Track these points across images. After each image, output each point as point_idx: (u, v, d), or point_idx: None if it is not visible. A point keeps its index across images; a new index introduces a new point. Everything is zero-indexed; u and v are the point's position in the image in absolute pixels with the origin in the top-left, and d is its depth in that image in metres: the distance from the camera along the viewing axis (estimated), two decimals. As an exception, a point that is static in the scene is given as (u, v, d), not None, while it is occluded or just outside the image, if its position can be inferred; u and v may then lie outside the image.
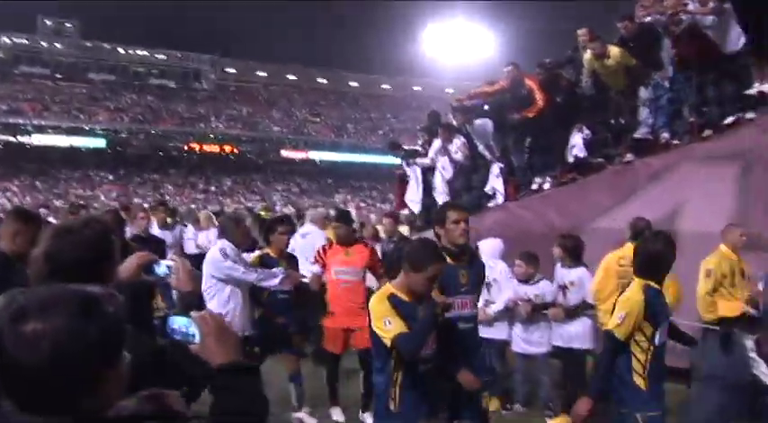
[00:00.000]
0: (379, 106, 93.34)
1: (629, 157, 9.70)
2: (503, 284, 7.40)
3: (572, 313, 6.94)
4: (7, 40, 78.88)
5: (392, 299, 4.18)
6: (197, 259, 13.34)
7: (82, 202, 20.05)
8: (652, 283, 4.40)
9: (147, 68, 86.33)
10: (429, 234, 8.08)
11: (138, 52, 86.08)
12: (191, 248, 13.06)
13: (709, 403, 6.19)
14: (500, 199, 11.23)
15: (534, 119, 10.41)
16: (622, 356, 4.35)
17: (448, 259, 4.51)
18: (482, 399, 4.73)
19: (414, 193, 12.71)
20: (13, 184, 65.00)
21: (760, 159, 8.04)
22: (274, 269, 6.71)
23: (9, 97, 73.48)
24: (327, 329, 7.14)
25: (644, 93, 9.67)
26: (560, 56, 11.32)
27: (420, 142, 13.68)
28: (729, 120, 8.65)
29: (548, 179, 10.70)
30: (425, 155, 12.61)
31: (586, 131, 10.22)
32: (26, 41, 79.77)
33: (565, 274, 7.03)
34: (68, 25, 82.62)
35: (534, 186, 10.79)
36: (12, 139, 70.06)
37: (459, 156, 11.64)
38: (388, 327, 4.10)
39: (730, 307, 6.42)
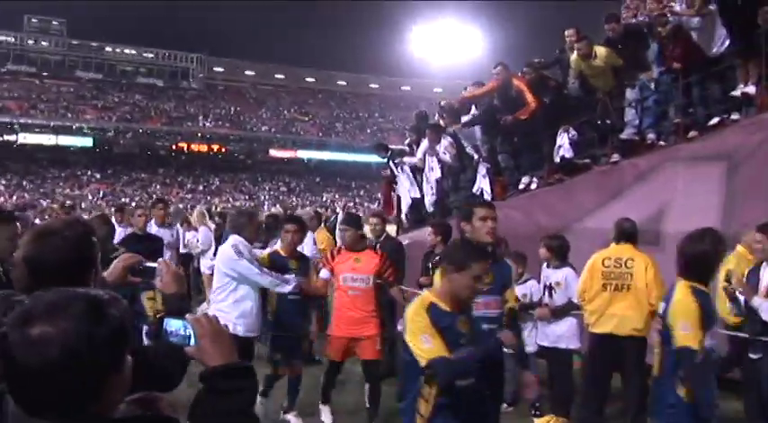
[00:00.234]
0: (368, 105, 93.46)
1: (615, 157, 9.73)
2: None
3: (558, 313, 6.96)
4: (-7, 39, 78.43)
5: (432, 310, 3.80)
6: (184, 259, 13.37)
7: (71, 203, 19.88)
8: (700, 286, 4.13)
9: (134, 67, 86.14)
10: (418, 234, 8.13)
11: (126, 51, 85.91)
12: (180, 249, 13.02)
13: None
14: (487, 199, 11.23)
15: (524, 120, 10.44)
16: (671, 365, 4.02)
17: None
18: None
19: (406, 193, 12.70)
20: (0, 183, 64.61)
21: (745, 160, 8.08)
22: (287, 275, 6.46)
23: (-5, 96, 73.13)
24: (332, 338, 6.84)
25: (630, 94, 9.72)
26: (548, 55, 11.37)
27: (407, 141, 13.67)
28: (715, 121, 8.69)
29: (535, 179, 10.73)
30: (412, 154, 12.60)
31: (573, 132, 10.24)
32: (12, 40, 79.34)
33: (551, 274, 7.06)
34: (55, 23, 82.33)
35: (521, 186, 10.81)
36: (-2, 137, 69.67)
37: (446, 156, 11.64)
38: (426, 346, 3.71)
39: None
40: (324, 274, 6.90)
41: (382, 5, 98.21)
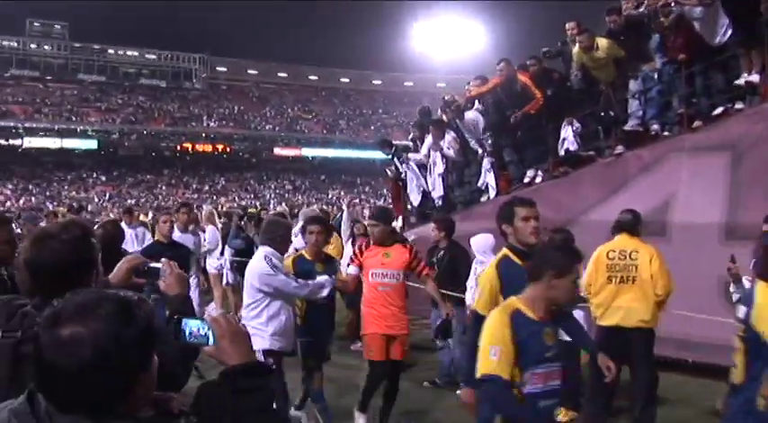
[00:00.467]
0: (371, 102, 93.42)
1: (619, 149, 9.72)
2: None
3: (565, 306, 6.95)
4: (-4, 43, 78.57)
5: (516, 318, 3.50)
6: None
7: (78, 205, 19.85)
8: None
9: (137, 69, 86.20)
10: (423, 229, 8.13)
11: (128, 52, 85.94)
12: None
13: None
14: (492, 193, 11.25)
15: (529, 113, 10.45)
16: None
17: (516, 260, 4.22)
18: None
19: (414, 190, 12.73)
20: (6, 187, 64.79)
21: (750, 149, 8.06)
22: (320, 279, 6.12)
23: (-1, 100, 73.30)
24: (367, 337, 6.51)
25: (633, 85, 9.70)
26: (550, 49, 11.34)
27: (410, 137, 13.68)
28: (719, 110, 8.66)
29: (539, 173, 10.73)
30: (416, 150, 12.62)
31: (577, 124, 10.25)
32: (15, 44, 79.44)
33: (556, 267, 7.06)
34: (57, 27, 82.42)
35: (526, 180, 10.81)
36: (3, 142, 69.79)
37: (450, 151, 11.66)
38: (492, 358, 3.41)
39: None
40: (352, 269, 6.67)
41: (384, 2, 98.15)
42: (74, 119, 75.29)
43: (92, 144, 74.29)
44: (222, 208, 32.82)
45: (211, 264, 11.84)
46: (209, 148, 79.01)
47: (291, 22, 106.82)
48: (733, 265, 5.90)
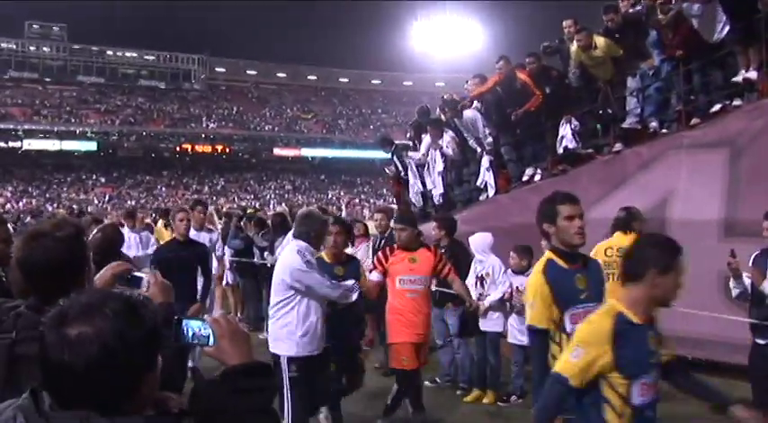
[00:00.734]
0: (370, 102, 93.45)
1: (618, 146, 9.73)
2: (496, 277, 7.46)
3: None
4: (-5, 46, 78.59)
5: (619, 322, 3.15)
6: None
7: (79, 208, 19.79)
8: None
9: (136, 70, 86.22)
10: (424, 228, 8.12)
11: (127, 54, 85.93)
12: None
13: None
14: (491, 192, 11.26)
15: (531, 111, 10.46)
16: None
17: (562, 263, 3.94)
18: None
19: (414, 187, 12.76)
20: (6, 189, 64.79)
21: (748, 146, 8.07)
22: (348, 282, 5.79)
23: (-2, 103, 73.33)
24: (397, 346, 6.27)
25: (631, 82, 9.72)
26: (550, 44, 11.34)
27: (408, 136, 13.70)
28: (717, 107, 8.66)
29: (538, 171, 10.74)
30: (415, 149, 12.64)
31: (575, 122, 10.25)
32: (14, 46, 79.46)
33: (555, 265, 7.07)
34: (56, 29, 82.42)
35: (525, 178, 10.81)
36: (2, 144, 69.78)
37: (449, 150, 11.67)
38: (572, 359, 3.14)
39: None
40: (375, 276, 6.35)
41: (382, 1, 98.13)
42: (73, 120, 75.30)
43: (91, 146, 74.29)
44: (222, 208, 32.83)
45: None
46: (208, 148, 79.02)
47: (290, 22, 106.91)
48: (733, 259, 5.89)
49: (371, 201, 58.51)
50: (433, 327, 7.14)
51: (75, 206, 21.14)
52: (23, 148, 70.87)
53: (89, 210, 36.83)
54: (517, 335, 7.39)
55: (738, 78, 8.48)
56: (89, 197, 66.02)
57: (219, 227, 13.16)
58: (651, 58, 9.44)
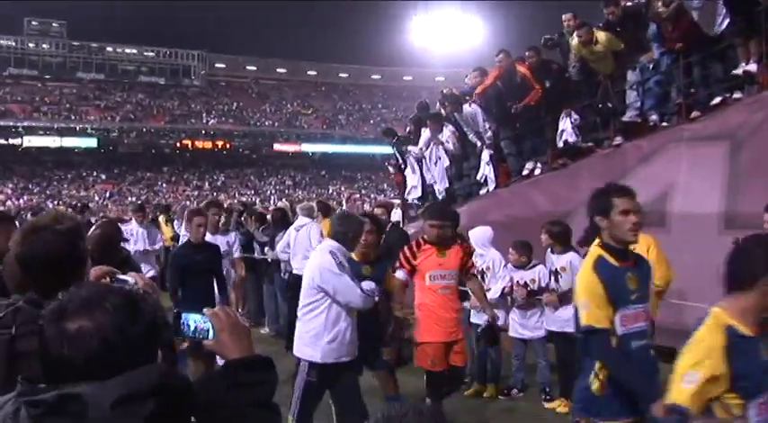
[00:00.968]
0: (370, 97, 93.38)
1: (618, 140, 9.73)
2: (497, 271, 7.46)
3: (565, 298, 6.98)
4: (-6, 43, 78.51)
5: (731, 336, 2.81)
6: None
7: (85, 203, 19.61)
8: None
9: (136, 66, 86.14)
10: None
11: (127, 50, 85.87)
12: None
13: None
14: (491, 186, 11.26)
15: (531, 105, 10.45)
16: None
17: (612, 260, 3.68)
18: None
19: (412, 180, 12.76)
20: (6, 187, 64.78)
21: (748, 139, 8.06)
22: (367, 285, 5.41)
23: (-2, 100, 73.31)
24: (427, 346, 5.98)
25: (631, 76, 9.70)
26: (552, 37, 11.33)
27: (407, 130, 13.70)
28: (717, 100, 8.65)
29: (538, 165, 10.73)
30: (416, 143, 12.64)
31: (575, 116, 10.25)
32: (13, 43, 79.38)
33: (555, 259, 7.08)
34: (55, 25, 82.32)
35: (525, 172, 10.81)
36: (2, 141, 69.74)
37: (449, 144, 11.66)
38: (686, 386, 2.79)
39: None
40: (401, 275, 6.05)
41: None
42: (73, 117, 75.25)
43: (91, 142, 74.23)
44: (224, 204, 32.78)
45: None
46: (208, 144, 78.94)
47: (290, 17, 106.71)
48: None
49: (372, 196, 58.43)
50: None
51: (78, 203, 20.82)
52: (23, 145, 70.81)
53: (89, 205, 36.81)
54: (518, 329, 7.40)
55: (738, 71, 8.47)
56: (90, 194, 66.03)
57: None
58: (651, 51, 9.43)
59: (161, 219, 15.10)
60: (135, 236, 10.83)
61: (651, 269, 4.00)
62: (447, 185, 12.01)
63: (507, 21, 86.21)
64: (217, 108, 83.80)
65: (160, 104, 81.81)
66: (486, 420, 6.25)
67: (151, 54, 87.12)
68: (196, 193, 68.95)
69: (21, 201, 54.40)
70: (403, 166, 13.19)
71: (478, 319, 7.41)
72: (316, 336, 5.21)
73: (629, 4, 9.83)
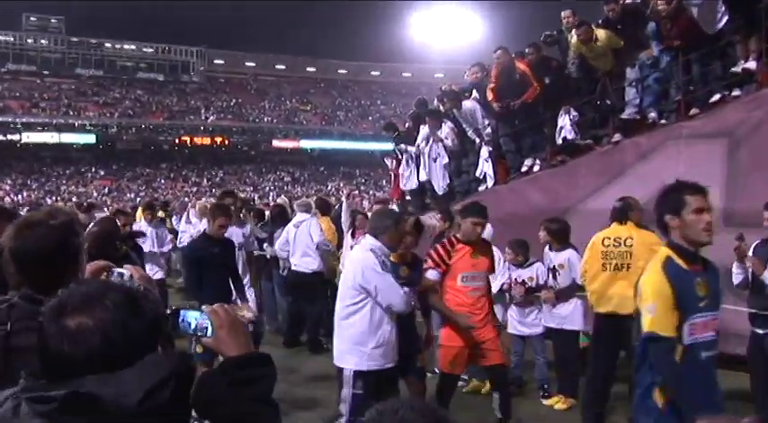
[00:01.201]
0: (369, 93, 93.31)
1: (617, 137, 9.72)
2: (496, 268, 7.46)
3: (563, 295, 6.99)
4: (-8, 38, 78.35)
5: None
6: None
7: (92, 202, 19.40)
8: None
9: (134, 62, 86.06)
10: (423, 218, 8.10)
11: (125, 46, 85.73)
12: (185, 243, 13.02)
13: None
14: (490, 183, 11.25)
15: (527, 102, 10.43)
16: None
17: (681, 262, 3.46)
18: None
19: (408, 175, 12.73)
20: (5, 183, 64.73)
21: (747, 136, 8.07)
22: (401, 289, 5.11)
23: (-3, 96, 73.20)
24: (450, 348, 5.78)
25: (630, 73, 9.71)
26: (552, 33, 11.31)
27: (406, 125, 13.66)
28: (716, 98, 8.66)
29: (537, 162, 10.72)
30: (413, 140, 12.61)
31: (574, 113, 10.24)
32: (11, 39, 79.24)
33: (553, 257, 7.09)
34: (53, 21, 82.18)
35: (524, 169, 10.80)
36: (1, 137, 69.67)
37: (448, 141, 11.65)
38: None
39: None
40: (434, 275, 5.78)
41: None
42: (71, 113, 75.17)
43: (90, 138, 74.16)
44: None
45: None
46: (207, 141, 78.90)
47: (289, 14, 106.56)
48: (741, 243, 5.86)
49: (371, 192, 58.37)
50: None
51: (84, 202, 20.48)
52: (22, 141, 70.73)
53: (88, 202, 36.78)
54: (516, 326, 7.41)
55: (738, 69, 8.48)
56: (88, 190, 65.98)
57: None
58: (650, 48, 9.43)
59: (159, 214, 15.05)
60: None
61: (719, 275, 3.74)
62: (448, 182, 11.99)
63: (506, 17, 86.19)
64: (215, 104, 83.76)
65: (159, 101, 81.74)
66: (484, 417, 6.24)
67: (150, 50, 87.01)
68: (195, 189, 68.93)
69: (19, 197, 54.37)
70: (398, 163, 13.15)
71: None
72: (359, 342, 4.94)
73: (629, 1, 9.82)
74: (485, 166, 11.27)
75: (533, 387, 7.36)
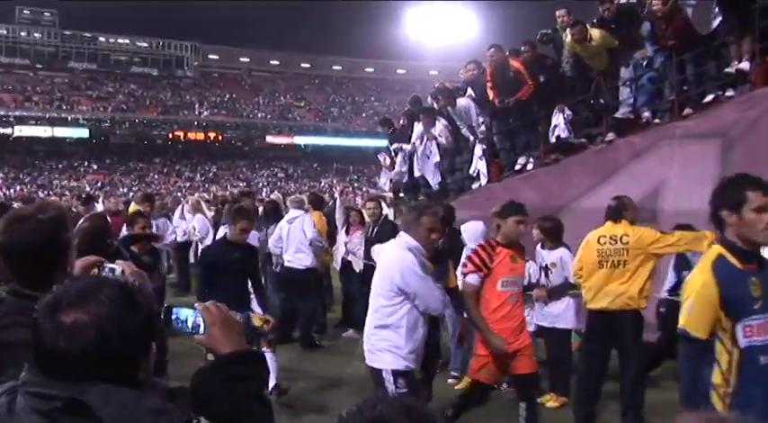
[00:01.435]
0: (363, 90, 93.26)
1: (610, 136, 9.75)
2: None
3: (555, 294, 7.00)
4: (-15, 31, 77.98)
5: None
6: (182, 246, 13.37)
7: (91, 194, 19.26)
8: None
9: (128, 57, 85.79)
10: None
11: (119, 40, 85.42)
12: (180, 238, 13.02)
13: None
14: (484, 181, 11.26)
15: (524, 100, 10.44)
16: None
17: (734, 261, 3.23)
18: None
19: (398, 169, 12.73)
20: (-3, 176, 64.49)
21: (740, 136, 8.10)
22: (439, 291, 4.88)
23: (-11, 89, 72.88)
24: (481, 357, 5.56)
25: (625, 72, 9.73)
26: (548, 31, 11.32)
27: (400, 123, 13.67)
28: (709, 98, 8.69)
29: (531, 160, 10.74)
30: (407, 137, 12.61)
31: (568, 112, 10.25)
32: (4, 32, 78.86)
33: (546, 255, 7.10)
34: (47, 14, 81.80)
35: (517, 167, 10.82)
36: (-6, 130, 69.40)
37: (442, 139, 11.65)
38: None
39: None
40: (475, 279, 5.47)
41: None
42: (65, 107, 74.91)
43: (83, 132, 73.90)
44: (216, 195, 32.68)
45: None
46: (201, 136, 78.73)
47: (284, 9, 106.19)
48: None
49: (364, 189, 58.34)
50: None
51: (84, 194, 20.15)
52: (15, 135, 70.43)
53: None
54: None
55: (731, 69, 8.50)
56: (81, 184, 65.74)
57: (210, 214, 13.18)
58: (645, 48, 9.46)
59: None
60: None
61: None
62: (440, 180, 12.00)
63: (501, 15, 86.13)
64: (209, 99, 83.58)
65: (152, 95, 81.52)
66: (475, 414, 6.24)
67: (144, 44, 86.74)
68: (188, 184, 68.81)
69: (11, 191, 54.15)
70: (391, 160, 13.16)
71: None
72: (395, 346, 4.67)
73: (624, 1, 9.85)
74: (478, 164, 11.28)
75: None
